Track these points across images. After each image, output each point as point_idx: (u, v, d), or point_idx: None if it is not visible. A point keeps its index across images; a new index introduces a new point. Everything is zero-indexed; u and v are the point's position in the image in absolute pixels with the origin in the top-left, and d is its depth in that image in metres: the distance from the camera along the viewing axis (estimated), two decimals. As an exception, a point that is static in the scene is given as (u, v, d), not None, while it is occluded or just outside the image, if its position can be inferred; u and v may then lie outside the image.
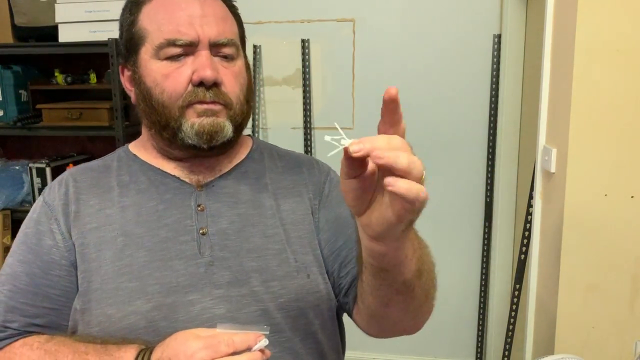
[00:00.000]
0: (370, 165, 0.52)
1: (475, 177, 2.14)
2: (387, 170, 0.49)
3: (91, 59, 2.18)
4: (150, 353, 0.70)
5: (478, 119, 2.09)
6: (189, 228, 0.83)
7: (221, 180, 0.88)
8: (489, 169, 2.10)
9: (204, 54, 0.81)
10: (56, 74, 2.14)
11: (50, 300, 0.81)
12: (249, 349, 0.66)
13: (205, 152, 0.84)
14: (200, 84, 0.80)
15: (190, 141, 0.81)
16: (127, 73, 0.88)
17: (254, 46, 2.20)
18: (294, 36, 2.17)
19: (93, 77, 2.14)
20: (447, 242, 2.19)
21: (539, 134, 1.46)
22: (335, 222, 0.87)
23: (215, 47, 0.82)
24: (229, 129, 0.82)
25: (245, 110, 0.86)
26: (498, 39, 2.00)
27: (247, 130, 1.09)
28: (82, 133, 2.19)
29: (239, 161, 0.91)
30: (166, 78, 0.81)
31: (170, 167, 0.88)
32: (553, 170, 1.38)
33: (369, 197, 0.54)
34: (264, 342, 0.67)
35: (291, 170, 0.93)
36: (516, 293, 1.74)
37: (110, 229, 0.82)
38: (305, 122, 2.21)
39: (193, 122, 0.81)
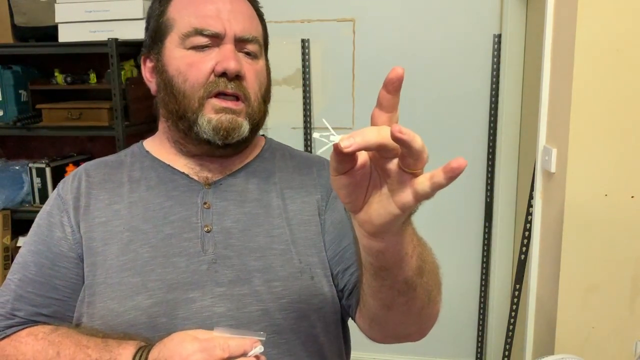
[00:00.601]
0: (360, 159, 0.51)
1: (475, 177, 2.14)
2: (386, 158, 0.49)
3: (91, 59, 2.18)
4: (148, 352, 0.71)
5: (478, 119, 2.09)
6: (193, 225, 0.83)
7: (229, 179, 0.88)
8: (489, 169, 2.10)
9: (228, 47, 0.82)
10: (56, 74, 2.14)
11: (57, 291, 0.82)
12: (244, 354, 0.66)
13: (219, 148, 0.84)
14: (223, 74, 0.81)
15: (205, 136, 0.82)
16: (149, 64, 0.89)
17: (254, 46, 2.19)
18: (293, 36, 2.17)
19: (93, 77, 2.14)
20: (447, 242, 2.19)
21: (539, 134, 1.46)
22: (340, 224, 0.86)
23: (239, 43, 0.84)
24: (246, 127, 0.83)
25: (263, 110, 0.87)
26: (498, 39, 2.00)
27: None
28: (82, 133, 2.19)
29: (249, 160, 0.91)
30: (190, 67, 0.82)
31: (180, 164, 0.88)
32: (553, 170, 1.38)
33: (364, 192, 0.53)
34: (259, 348, 0.67)
35: (301, 170, 0.93)
36: (516, 293, 1.73)
37: (117, 224, 0.83)
38: (305, 122, 2.20)
39: (210, 118, 0.81)
